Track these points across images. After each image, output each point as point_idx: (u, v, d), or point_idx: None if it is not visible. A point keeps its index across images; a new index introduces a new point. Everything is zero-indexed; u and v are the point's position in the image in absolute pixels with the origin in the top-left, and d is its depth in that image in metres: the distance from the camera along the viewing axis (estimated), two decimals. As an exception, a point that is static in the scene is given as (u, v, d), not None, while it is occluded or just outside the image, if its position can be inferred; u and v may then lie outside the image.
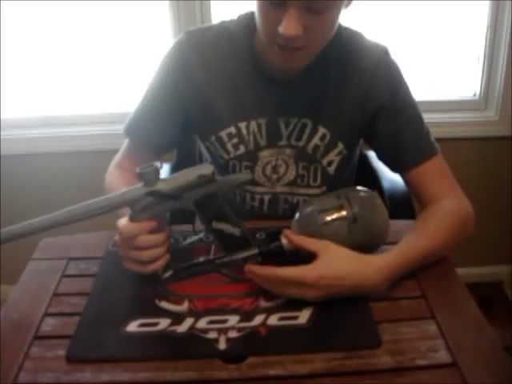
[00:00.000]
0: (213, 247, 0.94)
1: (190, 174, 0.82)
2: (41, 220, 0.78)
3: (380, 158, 1.06)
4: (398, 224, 1.01)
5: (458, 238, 0.91)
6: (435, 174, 0.98)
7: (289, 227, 0.87)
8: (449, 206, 0.94)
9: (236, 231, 0.84)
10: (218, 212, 0.83)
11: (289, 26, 0.80)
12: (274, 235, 0.86)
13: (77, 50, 1.78)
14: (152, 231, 0.81)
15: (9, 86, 1.81)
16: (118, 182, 1.02)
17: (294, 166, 1.02)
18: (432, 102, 1.87)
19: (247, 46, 0.97)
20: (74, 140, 1.85)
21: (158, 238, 0.81)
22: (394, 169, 1.04)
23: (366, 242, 0.85)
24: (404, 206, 1.13)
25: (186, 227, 0.95)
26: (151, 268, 0.82)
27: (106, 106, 1.87)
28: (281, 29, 0.81)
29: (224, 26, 1.00)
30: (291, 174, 1.03)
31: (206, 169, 0.82)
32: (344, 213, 0.83)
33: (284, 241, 0.84)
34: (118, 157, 1.10)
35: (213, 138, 1.01)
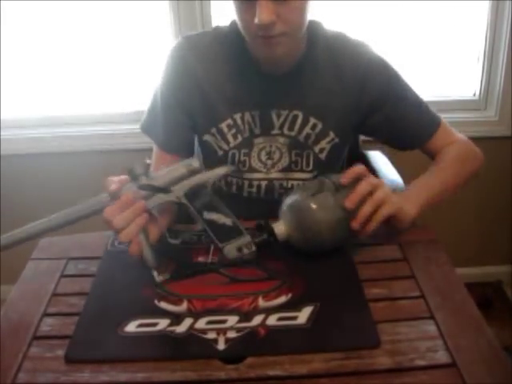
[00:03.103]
0: (212, 247, 0.94)
1: (178, 167, 0.87)
2: (37, 224, 0.82)
3: (389, 142, 1.13)
4: (397, 224, 1.01)
5: (470, 170, 1.07)
6: (445, 139, 1.10)
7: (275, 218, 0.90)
8: (458, 146, 1.09)
9: (228, 221, 0.87)
10: (208, 203, 0.87)
11: (262, 15, 0.88)
12: (264, 227, 0.88)
13: (77, 50, 1.78)
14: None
15: (9, 86, 1.81)
16: None
17: (288, 154, 1.08)
18: (432, 102, 1.84)
19: (240, 46, 1.03)
20: (74, 140, 1.85)
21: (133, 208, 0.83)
22: (405, 148, 1.12)
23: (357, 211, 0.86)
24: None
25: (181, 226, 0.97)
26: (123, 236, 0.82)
27: (105, 107, 1.87)
28: (256, 20, 0.89)
29: (218, 31, 1.08)
30: (285, 161, 1.08)
31: (194, 161, 0.88)
32: (326, 185, 0.88)
33: (276, 229, 0.87)
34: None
35: (214, 130, 1.07)
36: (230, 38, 1.05)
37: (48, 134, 1.85)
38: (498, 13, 1.75)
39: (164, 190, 0.86)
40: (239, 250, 0.87)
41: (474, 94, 1.90)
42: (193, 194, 0.87)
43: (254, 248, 0.87)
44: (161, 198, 0.86)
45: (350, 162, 1.26)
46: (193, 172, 0.87)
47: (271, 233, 0.87)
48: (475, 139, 1.90)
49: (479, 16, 1.78)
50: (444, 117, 1.86)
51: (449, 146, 1.08)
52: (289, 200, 0.90)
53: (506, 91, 1.82)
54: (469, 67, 1.87)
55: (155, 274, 0.86)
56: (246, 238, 0.87)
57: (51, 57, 1.79)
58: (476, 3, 1.77)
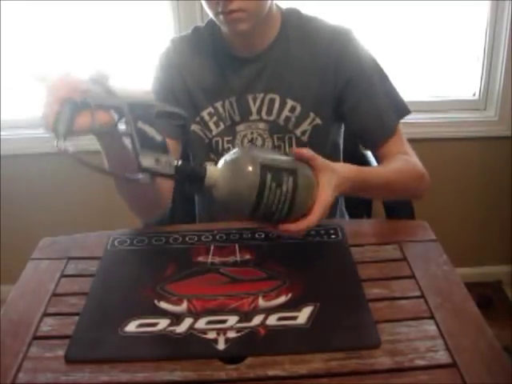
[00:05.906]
0: (212, 247, 0.94)
1: (137, 89, 0.88)
2: None
3: (359, 130, 1.11)
4: (397, 223, 1.02)
5: (412, 184, 1.03)
6: (398, 149, 1.07)
7: None
8: (408, 158, 1.05)
9: (158, 137, 0.83)
10: (147, 117, 0.83)
11: None
12: (200, 164, 0.83)
13: (77, 50, 1.78)
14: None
15: (9, 86, 1.81)
16: None
17: (270, 139, 1.11)
18: (432, 102, 1.86)
19: (214, 38, 1.11)
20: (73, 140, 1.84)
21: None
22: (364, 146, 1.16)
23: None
24: (403, 205, 1.13)
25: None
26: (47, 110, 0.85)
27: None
28: None
29: (197, 29, 1.15)
30: (268, 147, 1.11)
31: (150, 92, 0.89)
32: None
33: (209, 169, 0.80)
34: None
35: (198, 119, 1.12)
36: (206, 32, 1.12)
37: (48, 133, 1.85)
38: (498, 13, 1.75)
39: (111, 92, 0.84)
40: (157, 161, 0.80)
41: (474, 94, 1.90)
42: (136, 107, 0.83)
43: (173, 164, 0.80)
44: (103, 97, 0.83)
45: (350, 162, 1.26)
46: (146, 94, 0.87)
47: (203, 172, 0.80)
48: (475, 139, 1.91)
49: (479, 16, 1.78)
50: (444, 117, 1.88)
51: (400, 154, 1.05)
52: (235, 152, 0.83)
53: (506, 91, 1.81)
54: (469, 67, 1.87)
55: (57, 142, 0.82)
56: (168, 156, 0.81)
57: (52, 57, 1.79)
58: (476, 3, 1.77)
